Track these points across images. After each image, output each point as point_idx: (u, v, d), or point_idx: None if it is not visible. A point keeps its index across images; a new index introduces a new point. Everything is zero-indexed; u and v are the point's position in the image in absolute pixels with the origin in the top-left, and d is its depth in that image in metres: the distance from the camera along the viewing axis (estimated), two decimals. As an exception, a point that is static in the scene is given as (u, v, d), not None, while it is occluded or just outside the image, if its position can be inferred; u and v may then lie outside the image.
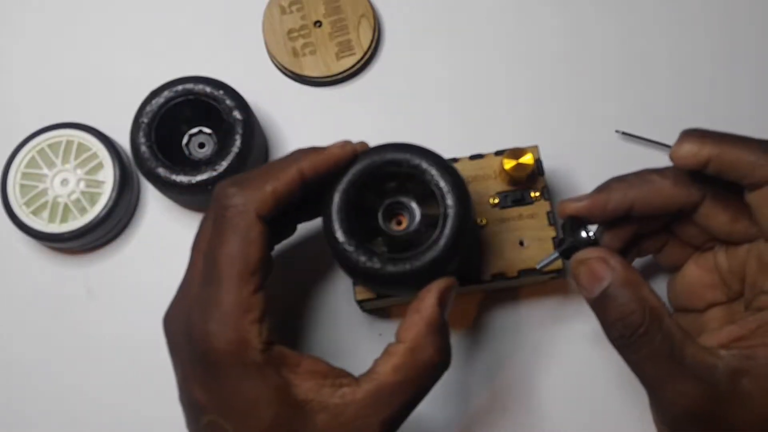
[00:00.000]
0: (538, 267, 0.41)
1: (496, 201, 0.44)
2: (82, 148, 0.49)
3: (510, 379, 0.47)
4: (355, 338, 0.48)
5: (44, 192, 0.48)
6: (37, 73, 0.54)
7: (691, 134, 0.37)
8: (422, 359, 0.35)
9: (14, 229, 0.48)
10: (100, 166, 0.49)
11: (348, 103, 0.52)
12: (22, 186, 0.48)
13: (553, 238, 0.43)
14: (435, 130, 0.51)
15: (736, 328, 0.36)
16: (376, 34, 0.52)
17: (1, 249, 0.51)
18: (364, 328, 0.48)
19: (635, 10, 0.53)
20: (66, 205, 0.48)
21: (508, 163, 0.43)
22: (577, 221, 0.39)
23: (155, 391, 0.43)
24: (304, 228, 0.44)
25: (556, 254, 0.40)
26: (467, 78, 0.52)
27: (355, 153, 0.38)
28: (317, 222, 0.41)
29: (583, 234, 0.39)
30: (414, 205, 0.40)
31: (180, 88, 0.47)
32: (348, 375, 0.35)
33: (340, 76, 0.52)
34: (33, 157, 0.49)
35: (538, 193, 0.44)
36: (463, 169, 0.44)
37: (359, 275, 0.38)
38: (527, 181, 0.44)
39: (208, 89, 0.47)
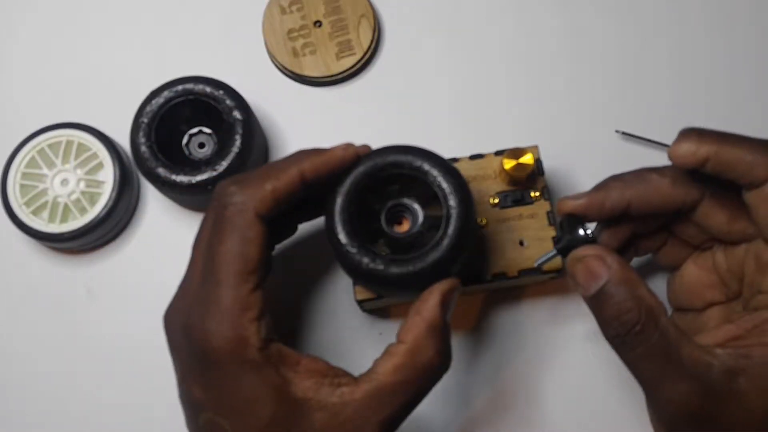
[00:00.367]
0: (536, 264, 0.41)
1: (496, 201, 0.44)
2: (82, 148, 0.49)
3: (510, 379, 0.47)
4: (355, 338, 0.48)
5: (44, 192, 0.48)
6: (37, 73, 0.54)
7: (690, 133, 0.37)
8: (422, 361, 0.35)
9: (14, 229, 0.48)
10: (100, 166, 0.49)
11: (348, 103, 0.52)
12: (22, 186, 0.48)
13: (553, 238, 0.43)
14: (435, 130, 0.51)
15: (733, 327, 0.36)
16: (376, 34, 0.52)
17: (1, 249, 0.51)
18: (364, 328, 0.48)
19: (635, 10, 0.53)
20: (66, 205, 0.48)
21: (508, 163, 0.43)
22: (575, 219, 0.39)
23: (155, 390, 0.43)
24: (304, 228, 0.44)
25: (554, 252, 0.40)
26: (467, 78, 0.52)
27: (358, 155, 0.38)
28: (318, 222, 0.41)
29: (581, 232, 0.39)
30: (416, 206, 0.40)
31: (180, 88, 0.47)
32: (347, 374, 0.35)
33: (340, 76, 0.52)
34: (33, 157, 0.49)
35: (538, 193, 0.44)
36: (463, 169, 0.44)
37: (362, 277, 0.38)
38: (527, 181, 0.44)
39: (208, 89, 0.47)
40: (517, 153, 0.43)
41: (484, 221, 0.44)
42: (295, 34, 0.52)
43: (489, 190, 0.44)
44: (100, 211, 0.48)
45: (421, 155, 0.38)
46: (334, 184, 0.38)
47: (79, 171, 0.49)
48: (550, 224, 0.44)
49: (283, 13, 0.52)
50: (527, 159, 0.43)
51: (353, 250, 0.37)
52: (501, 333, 0.48)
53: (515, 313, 0.48)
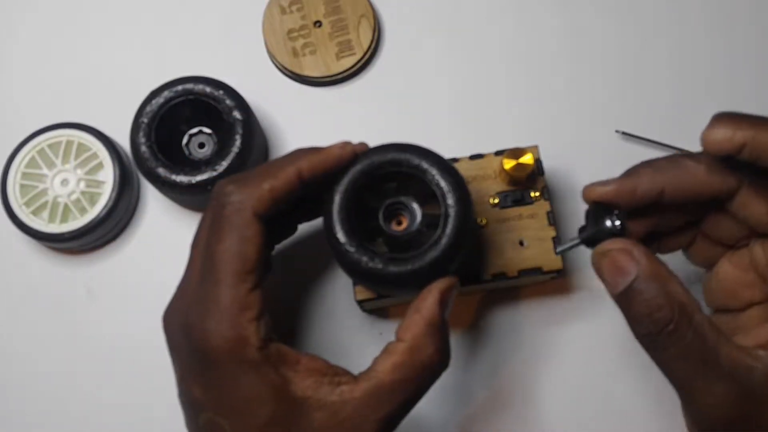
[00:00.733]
0: (557, 252, 0.40)
1: (496, 201, 0.44)
2: (82, 148, 0.49)
3: (510, 379, 0.47)
4: (355, 338, 0.48)
5: (44, 192, 0.48)
6: (37, 73, 0.54)
7: (724, 117, 0.34)
8: (421, 359, 0.35)
9: (14, 229, 0.48)
10: (100, 166, 0.49)
11: (348, 103, 0.52)
12: (22, 186, 0.48)
13: (553, 238, 0.43)
14: (435, 130, 0.51)
15: None
16: (376, 34, 0.52)
17: (1, 249, 0.51)
18: (364, 328, 0.48)
19: (635, 10, 0.53)
20: (66, 205, 0.48)
21: (508, 163, 0.43)
22: (602, 208, 0.36)
23: (155, 390, 0.43)
24: (304, 228, 0.44)
25: (578, 240, 0.37)
26: (467, 78, 0.52)
27: (355, 153, 0.38)
28: (317, 222, 0.41)
29: (608, 223, 0.36)
30: (415, 205, 0.40)
31: (180, 88, 0.47)
32: (347, 373, 0.35)
33: (340, 76, 0.52)
34: (33, 157, 0.49)
35: (538, 193, 0.44)
36: (463, 169, 0.44)
37: (361, 276, 0.38)
38: (527, 181, 0.44)
39: (208, 89, 0.47)
40: (517, 153, 0.43)
41: (483, 221, 0.44)
42: (295, 34, 0.52)
43: (489, 190, 0.44)
44: (100, 211, 0.48)
45: (419, 153, 0.38)
46: (332, 183, 0.38)
47: (79, 171, 0.49)
48: (550, 224, 0.44)
49: (283, 13, 0.52)
50: (527, 159, 0.43)
51: (352, 249, 0.37)
52: (499, 332, 0.48)
53: (514, 313, 0.48)
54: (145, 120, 0.47)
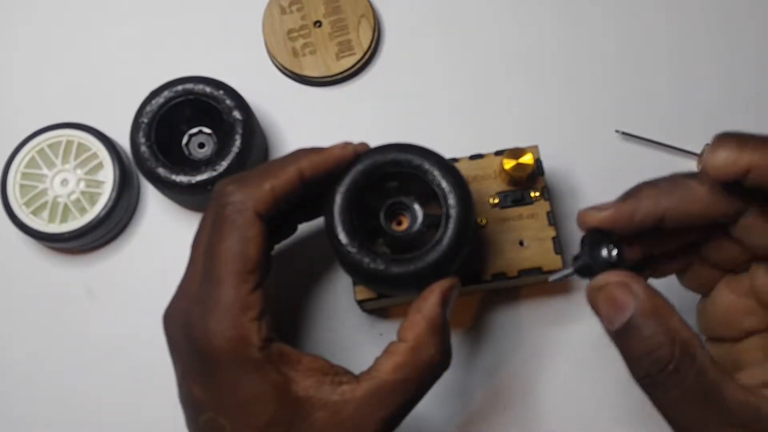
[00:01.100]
0: (550, 281, 0.37)
1: (496, 201, 0.44)
2: (82, 148, 0.49)
3: (510, 379, 0.47)
4: (355, 338, 0.48)
5: (44, 192, 0.48)
6: (37, 73, 0.54)
7: (727, 139, 0.31)
8: (423, 359, 0.35)
9: (14, 229, 0.48)
10: (100, 166, 0.49)
11: (348, 103, 0.52)
12: (22, 186, 0.48)
13: (553, 238, 0.43)
14: (435, 130, 0.51)
15: None
16: (376, 34, 0.52)
17: (1, 249, 0.51)
18: (364, 328, 0.48)
19: (635, 10, 0.53)
20: (66, 205, 0.48)
21: (508, 163, 0.43)
22: (599, 234, 0.34)
23: (155, 390, 0.43)
24: (304, 228, 0.44)
25: (571, 270, 0.35)
26: (467, 78, 0.52)
27: (356, 154, 0.38)
28: (317, 222, 0.41)
29: (604, 252, 0.33)
30: (416, 205, 0.40)
31: (180, 88, 0.47)
32: (348, 373, 0.35)
33: (340, 76, 0.52)
34: (33, 157, 0.49)
35: (538, 193, 0.44)
36: (463, 169, 0.44)
37: (362, 276, 0.38)
38: (527, 181, 0.44)
39: (208, 89, 0.47)
40: (517, 153, 0.43)
41: (484, 221, 0.44)
42: (295, 34, 0.52)
43: (489, 190, 0.44)
44: (100, 211, 0.48)
45: (420, 153, 0.38)
46: (333, 183, 0.38)
47: (79, 171, 0.49)
48: (550, 224, 0.44)
49: (283, 13, 0.52)
50: (527, 159, 0.43)
51: (353, 250, 0.37)
52: (499, 332, 0.48)
53: (514, 313, 0.48)
54: (145, 120, 0.47)
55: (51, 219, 0.48)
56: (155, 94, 0.47)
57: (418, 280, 0.37)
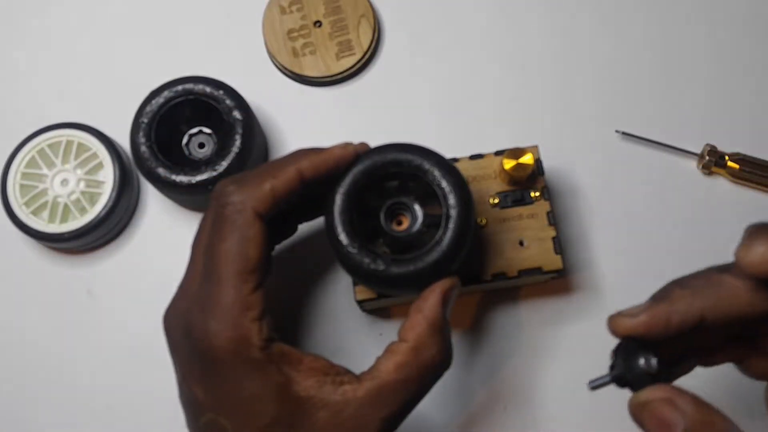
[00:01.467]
0: (589, 387, 0.33)
1: (496, 201, 0.44)
2: (82, 148, 0.49)
3: (510, 379, 0.47)
4: (355, 338, 0.48)
5: (44, 192, 0.48)
6: (38, 73, 0.54)
7: (762, 232, 0.30)
8: (425, 358, 0.35)
9: (14, 229, 0.48)
10: (100, 166, 0.49)
11: (348, 103, 0.52)
12: (22, 186, 0.48)
13: (553, 238, 0.43)
14: (435, 130, 0.51)
15: None
16: (376, 34, 0.52)
17: (1, 249, 0.51)
18: (364, 328, 0.48)
19: (634, 11, 0.53)
20: (66, 205, 0.48)
21: (508, 163, 0.43)
22: (633, 342, 0.32)
23: (156, 391, 0.43)
24: (304, 228, 0.44)
25: (608, 378, 0.32)
26: (467, 78, 0.52)
27: (357, 154, 0.38)
28: (317, 222, 0.41)
29: (641, 362, 0.31)
30: (416, 205, 0.40)
31: (180, 88, 0.47)
32: (349, 372, 0.35)
33: (340, 76, 0.52)
34: (33, 157, 0.49)
35: (538, 193, 0.44)
36: (463, 169, 0.44)
37: (363, 277, 0.38)
38: (527, 181, 0.44)
39: (208, 89, 0.47)
40: (517, 153, 0.43)
41: (484, 221, 0.44)
42: (295, 34, 0.52)
43: (489, 190, 0.44)
44: (100, 211, 0.48)
45: (420, 153, 0.38)
46: (333, 184, 0.38)
47: (79, 171, 0.49)
48: (550, 224, 0.44)
49: (283, 13, 0.52)
50: (527, 159, 0.43)
51: (354, 251, 0.37)
52: (499, 332, 0.48)
53: (514, 313, 0.48)
54: (145, 120, 0.47)
55: (51, 219, 0.48)
56: (155, 94, 0.47)
57: (419, 280, 0.37)
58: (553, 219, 0.44)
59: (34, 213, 0.48)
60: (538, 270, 0.43)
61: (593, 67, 0.52)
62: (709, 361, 0.35)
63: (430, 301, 0.36)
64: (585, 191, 0.49)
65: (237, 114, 0.47)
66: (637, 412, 0.30)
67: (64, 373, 0.48)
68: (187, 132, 0.49)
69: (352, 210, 0.38)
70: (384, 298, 0.43)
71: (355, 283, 0.43)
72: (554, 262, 0.43)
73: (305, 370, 0.35)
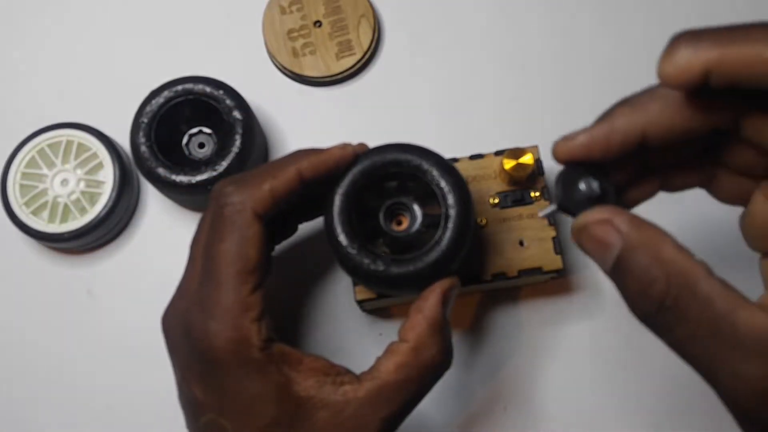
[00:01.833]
0: (540, 215, 0.33)
1: (496, 201, 0.44)
2: (82, 148, 0.49)
3: (510, 379, 0.47)
4: (355, 338, 0.48)
5: (44, 192, 0.48)
6: (37, 73, 0.54)
7: (684, 38, 0.27)
8: (425, 359, 0.35)
9: (14, 229, 0.48)
10: (100, 166, 0.49)
11: (348, 103, 0.52)
12: (22, 186, 0.48)
13: (554, 238, 0.43)
14: (435, 130, 0.51)
15: None
16: (376, 34, 0.52)
17: (1, 249, 0.51)
18: (364, 328, 0.48)
19: (634, 11, 0.53)
20: (66, 205, 0.48)
21: (508, 163, 0.43)
22: (577, 166, 0.30)
23: (156, 391, 0.43)
24: (304, 228, 0.44)
25: (554, 207, 0.31)
26: (467, 78, 0.52)
27: (356, 154, 0.38)
28: (317, 222, 0.41)
29: (582, 186, 0.29)
30: (415, 205, 0.40)
31: (180, 88, 0.47)
32: (349, 373, 0.35)
33: (340, 76, 0.52)
34: (33, 157, 0.49)
35: (538, 193, 0.44)
36: (463, 169, 0.44)
37: (362, 277, 0.38)
38: (527, 181, 0.44)
39: (208, 89, 0.47)
40: (517, 153, 0.43)
41: (484, 221, 0.44)
42: (295, 34, 0.52)
43: (489, 190, 0.44)
44: (100, 211, 0.48)
45: (419, 153, 0.38)
46: (332, 184, 0.38)
47: (79, 171, 0.49)
48: (550, 224, 0.44)
49: (283, 13, 0.52)
50: (527, 159, 0.43)
51: (353, 252, 0.37)
52: (499, 332, 0.48)
53: (514, 313, 0.48)
54: (145, 120, 0.47)
55: (51, 219, 0.48)
56: (155, 94, 0.47)
57: (418, 280, 0.37)
58: (553, 219, 0.44)
59: (34, 213, 0.48)
60: (538, 270, 0.43)
61: (593, 67, 0.52)
62: (670, 185, 0.33)
63: (430, 301, 0.36)
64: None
65: (237, 114, 0.47)
66: (576, 235, 0.29)
67: (64, 373, 0.49)
68: (187, 132, 0.49)
69: (352, 210, 0.38)
70: (384, 298, 0.43)
71: (355, 283, 0.43)
72: (554, 262, 0.43)
73: (305, 371, 0.35)
